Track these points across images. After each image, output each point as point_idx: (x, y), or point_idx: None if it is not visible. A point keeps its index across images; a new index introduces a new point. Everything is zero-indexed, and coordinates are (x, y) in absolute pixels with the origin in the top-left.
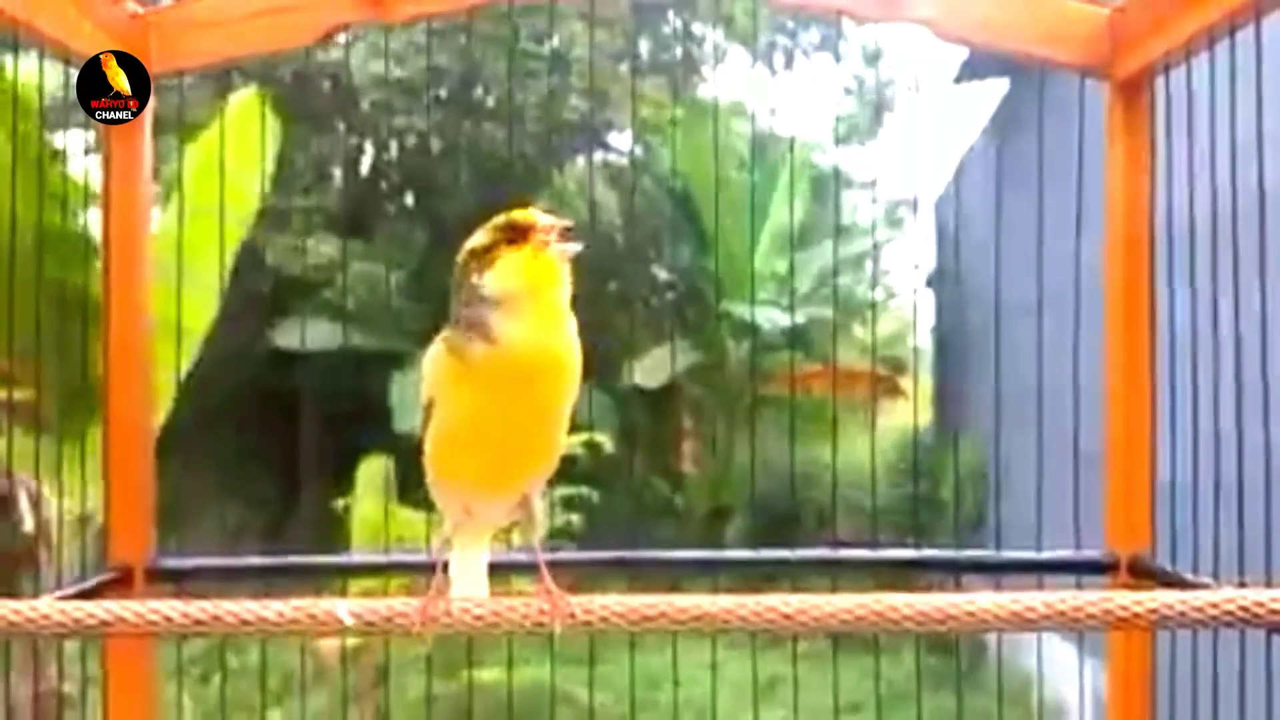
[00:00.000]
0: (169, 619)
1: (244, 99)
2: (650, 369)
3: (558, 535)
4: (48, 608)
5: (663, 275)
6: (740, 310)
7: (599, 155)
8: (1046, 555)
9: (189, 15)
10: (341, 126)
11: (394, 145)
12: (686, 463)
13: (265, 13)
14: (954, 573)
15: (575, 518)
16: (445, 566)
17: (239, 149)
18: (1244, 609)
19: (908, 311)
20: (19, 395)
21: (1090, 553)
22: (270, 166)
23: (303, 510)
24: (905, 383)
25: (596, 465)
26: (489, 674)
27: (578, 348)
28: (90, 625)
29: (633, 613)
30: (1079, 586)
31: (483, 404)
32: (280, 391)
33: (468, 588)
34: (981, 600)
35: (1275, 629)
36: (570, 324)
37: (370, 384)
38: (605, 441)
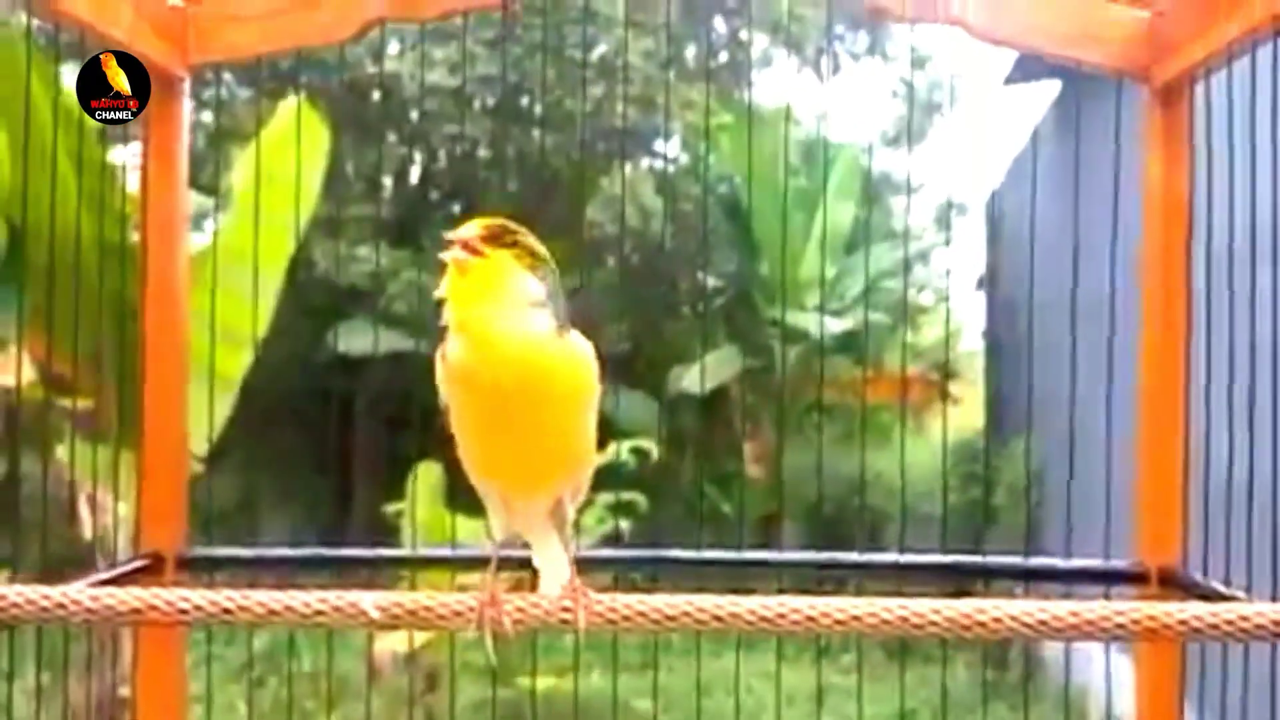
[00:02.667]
0: (199, 607)
1: (292, 107)
2: (698, 375)
3: (607, 543)
4: (78, 594)
5: (711, 281)
6: (789, 316)
7: (646, 162)
8: (1075, 564)
9: (226, 9)
10: (392, 136)
11: (443, 154)
12: (752, 466)
13: (300, 7)
14: (983, 579)
15: (624, 523)
16: (495, 568)
17: (288, 157)
18: (1276, 623)
19: (958, 316)
20: (80, 404)
21: (1119, 563)
22: (321, 175)
23: (357, 513)
24: (956, 388)
25: (644, 471)
26: (544, 681)
27: (547, 352)
28: (121, 612)
29: (655, 612)
30: (1107, 597)
31: (465, 407)
32: (334, 396)
33: (554, 577)
34: (1008, 607)
35: None
36: (526, 329)
37: (423, 389)
38: (652, 448)
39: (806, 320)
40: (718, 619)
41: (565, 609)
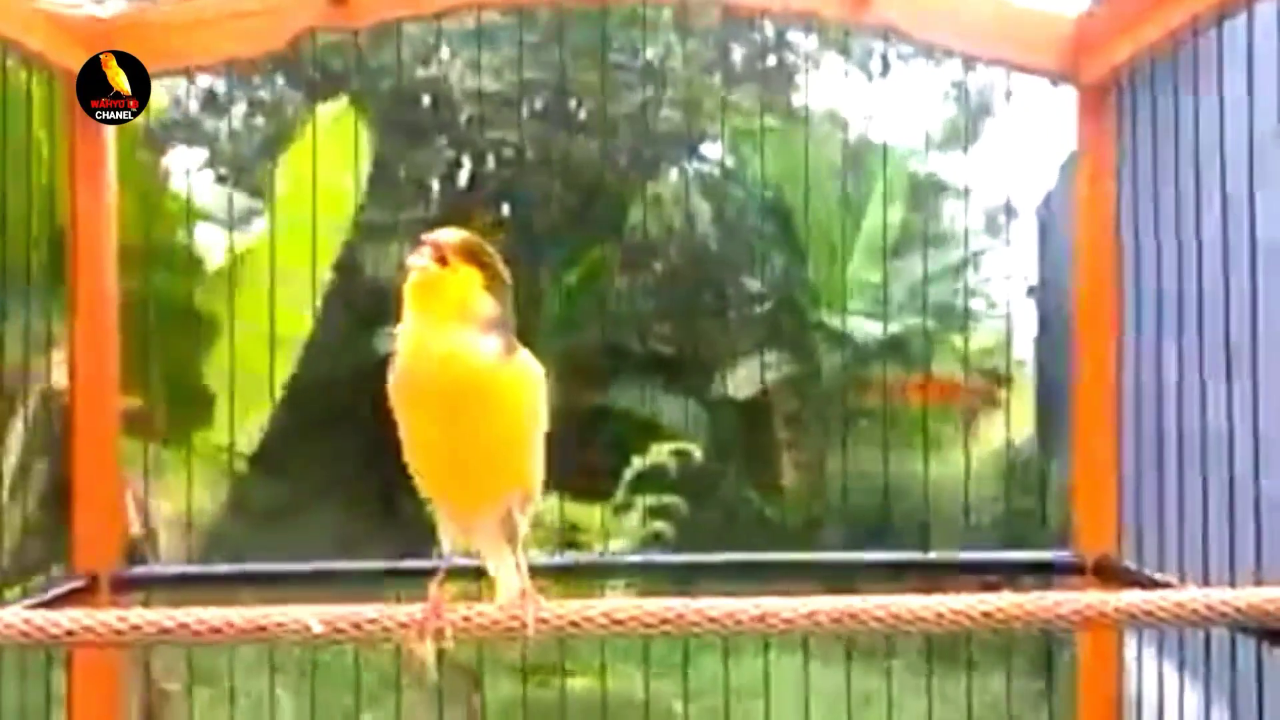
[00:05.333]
0: (136, 627)
1: (335, 110)
2: (743, 379)
3: (648, 543)
4: (12, 616)
5: (756, 285)
6: (835, 320)
7: (692, 166)
8: (1014, 556)
9: (155, 20)
10: (441, 140)
11: (490, 158)
12: (784, 475)
13: (231, 17)
14: (927, 575)
15: (665, 526)
16: (442, 578)
17: (332, 160)
18: (1209, 607)
19: (1008, 321)
20: (130, 403)
21: (1057, 554)
22: (366, 179)
23: (401, 516)
24: (1007, 394)
25: (686, 475)
26: (581, 681)
27: (493, 371)
28: (55, 635)
29: (603, 616)
30: (1048, 588)
31: (411, 421)
32: (379, 399)
33: (509, 587)
34: (952, 602)
35: (1239, 628)
36: (475, 347)
37: None
38: (694, 451)
39: (852, 325)
40: (665, 621)
41: (513, 616)
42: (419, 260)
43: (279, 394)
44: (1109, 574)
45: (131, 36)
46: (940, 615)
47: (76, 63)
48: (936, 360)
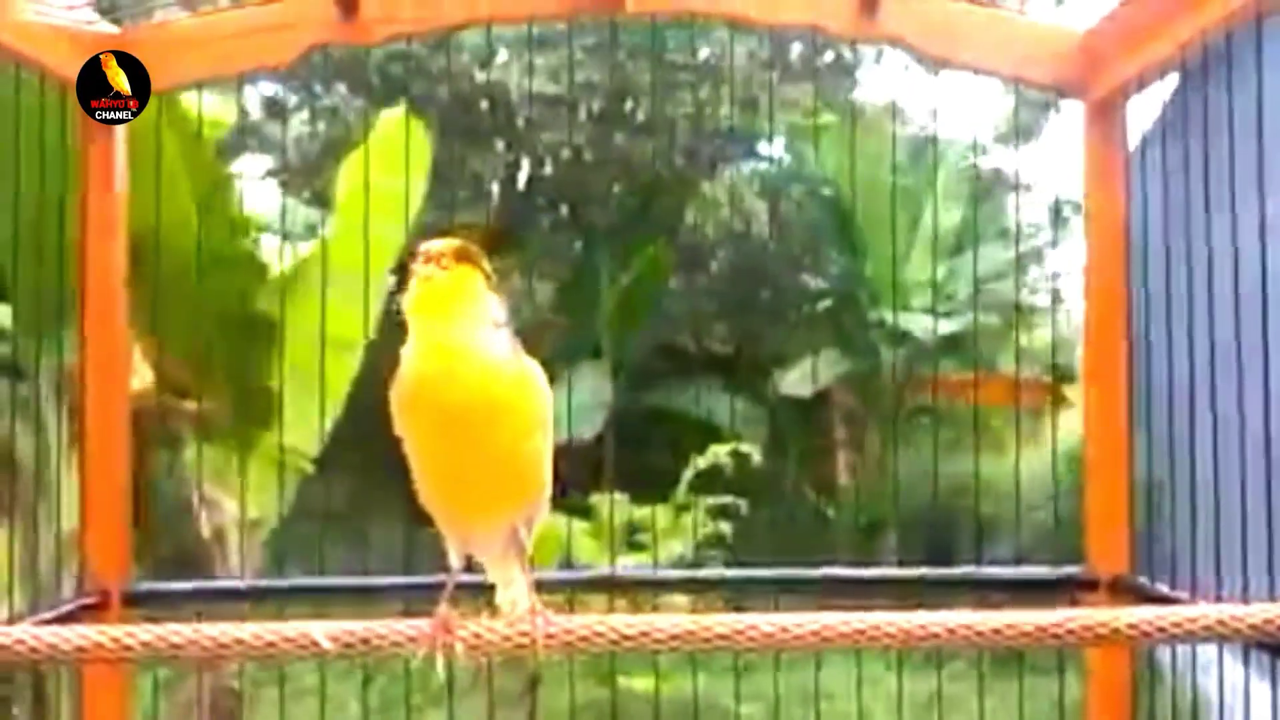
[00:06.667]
0: (145, 644)
1: (395, 116)
2: (801, 378)
3: (708, 545)
4: (21, 633)
5: (814, 283)
6: (894, 317)
7: (749, 164)
8: (1027, 573)
9: (168, 35)
10: (499, 144)
11: (548, 160)
12: (843, 474)
13: (243, 33)
14: (942, 592)
15: (725, 527)
16: (450, 594)
17: (391, 166)
18: (1222, 623)
19: (1074, 317)
20: (196, 406)
21: (1074, 570)
22: (425, 184)
23: None
24: (1071, 392)
25: (745, 476)
26: (641, 683)
27: (504, 374)
28: (65, 651)
29: (613, 632)
30: (1056, 604)
31: (420, 428)
32: None
33: (515, 602)
34: (963, 619)
35: (1252, 644)
36: (488, 348)
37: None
38: (752, 451)
39: (912, 322)
40: (674, 638)
41: (522, 633)
42: (423, 269)
43: (343, 397)
44: (1122, 590)
45: (144, 51)
46: (952, 631)
47: None
48: (998, 358)
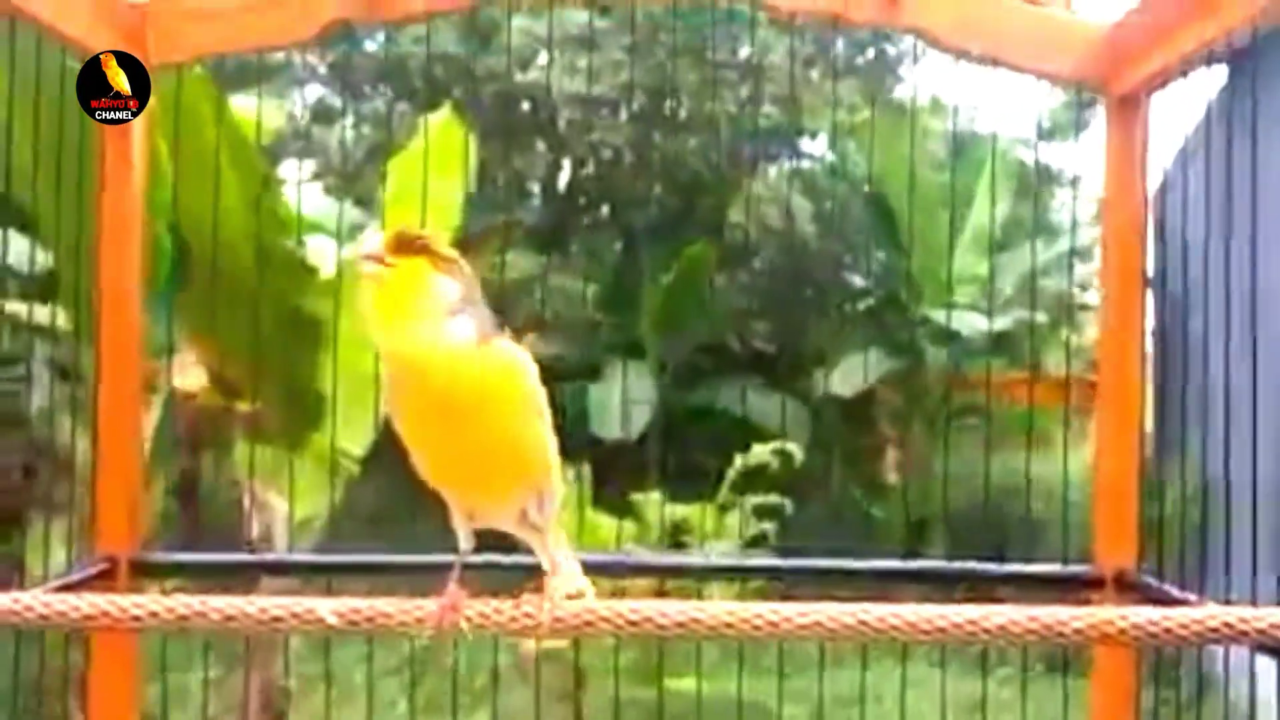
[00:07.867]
0: (154, 614)
1: (443, 118)
2: (845, 377)
3: (753, 545)
4: (31, 599)
5: (858, 281)
6: (940, 315)
7: (791, 162)
8: (1032, 569)
9: (186, 7)
10: (541, 144)
11: (591, 160)
12: (890, 472)
13: (262, 6)
14: (945, 586)
15: (769, 526)
16: (458, 573)
17: (436, 168)
18: (1228, 625)
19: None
20: (247, 407)
21: (1076, 568)
22: (466, 185)
23: None
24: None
25: (790, 475)
26: (684, 682)
27: (469, 363)
28: (74, 618)
29: (619, 617)
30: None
31: (401, 421)
32: None
33: (561, 582)
34: (966, 614)
35: (1259, 648)
36: (446, 340)
37: (569, 392)
38: (796, 450)
39: (957, 320)
40: (680, 625)
41: (528, 614)
42: (365, 270)
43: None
44: (1128, 588)
45: (163, 24)
46: (957, 626)
47: (111, 47)
48: (1046, 356)
